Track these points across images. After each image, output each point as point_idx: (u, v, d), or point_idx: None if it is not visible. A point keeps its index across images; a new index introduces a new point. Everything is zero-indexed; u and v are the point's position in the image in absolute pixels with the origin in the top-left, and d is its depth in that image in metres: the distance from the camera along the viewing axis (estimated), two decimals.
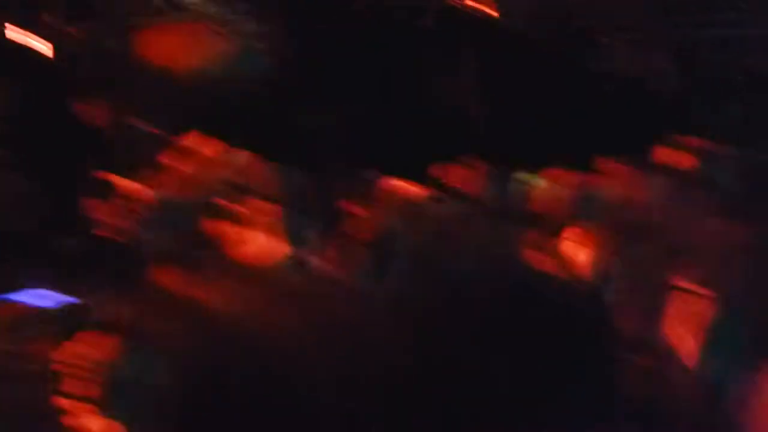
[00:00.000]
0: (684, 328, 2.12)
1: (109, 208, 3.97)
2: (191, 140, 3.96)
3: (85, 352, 1.71)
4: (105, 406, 1.37)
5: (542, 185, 3.49)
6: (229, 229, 1.51)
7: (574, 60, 5.51)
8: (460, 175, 3.81)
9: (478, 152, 4.57)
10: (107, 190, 3.88)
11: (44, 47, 5.00)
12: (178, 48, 4.76)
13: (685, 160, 3.34)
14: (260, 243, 1.55)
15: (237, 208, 1.52)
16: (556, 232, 3.40)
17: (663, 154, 3.59)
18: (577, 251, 3.03)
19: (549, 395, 1.26)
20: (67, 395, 1.73)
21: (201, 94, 4.57)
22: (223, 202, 1.53)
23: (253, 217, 1.55)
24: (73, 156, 4.29)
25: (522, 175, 3.59)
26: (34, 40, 4.95)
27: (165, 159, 3.93)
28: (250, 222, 1.54)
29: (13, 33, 4.96)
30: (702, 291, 2.30)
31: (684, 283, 2.28)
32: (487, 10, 5.19)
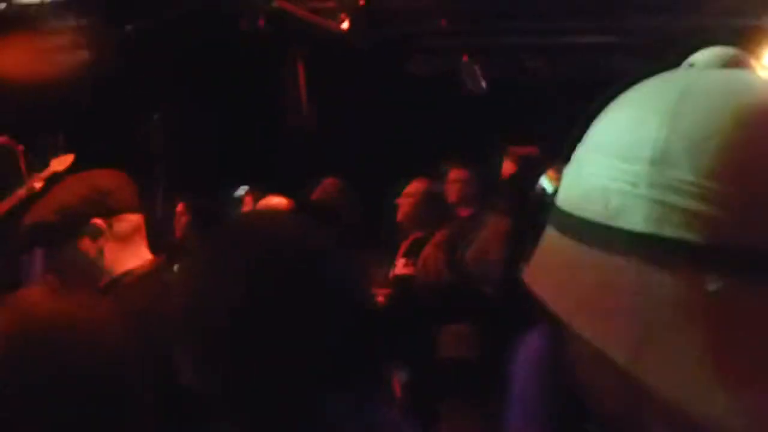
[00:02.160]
0: None
1: None
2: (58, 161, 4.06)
3: None
4: None
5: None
6: (97, 245, 1.51)
7: (397, 65, 5.95)
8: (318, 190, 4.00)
9: (313, 162, 4.85)
10: None
11: None
12: (22, 59, 4.71)
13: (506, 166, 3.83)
14: (130, 254, 1.54)
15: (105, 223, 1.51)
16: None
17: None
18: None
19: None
20: None
21: (50, 105, 4.63)
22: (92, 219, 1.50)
23: (123, 230, 1.53)
24: None
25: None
26: None
27: (24, 175, 4.03)
28: (120, 235, 1.53)
29: None
30: None
31: None
32: (315, 18, 5.40)
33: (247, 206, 4.82)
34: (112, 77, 4.80)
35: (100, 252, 1.56)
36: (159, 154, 4.73)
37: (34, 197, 4.18)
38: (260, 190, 4.54)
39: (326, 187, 3.77)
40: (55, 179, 4.24)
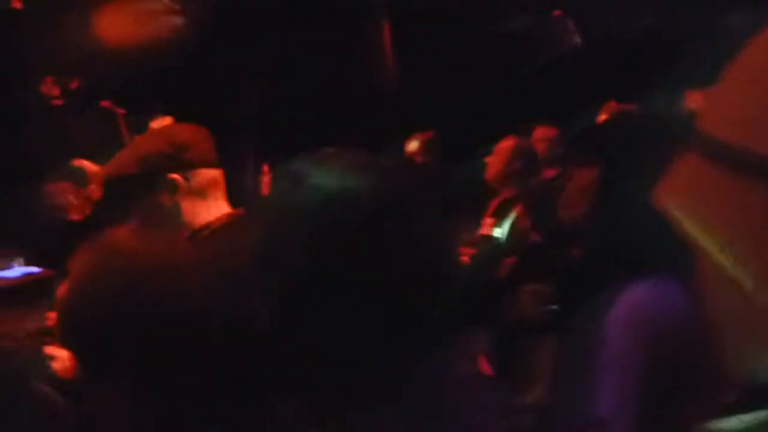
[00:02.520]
0: None
1: (64, 189, 4.31)
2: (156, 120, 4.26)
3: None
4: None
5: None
6: (174, 199, 1.52)
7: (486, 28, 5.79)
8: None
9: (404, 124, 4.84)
10: (66, 171, 4.21)
11: None
12: (129, 25, 4.92)
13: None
14: (208, 208, 1.54)
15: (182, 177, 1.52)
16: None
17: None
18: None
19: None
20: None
21: (149, 69, 4.83)
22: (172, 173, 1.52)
23: (200, 184, 1.54)
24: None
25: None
26: None
27: (125, 137, 4.26)
28: (197, 189, 1.53)
29: None
30: None
31: None
32: None
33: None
34: (206, 40, 4.93)
35: (177, 206, 1.57)
36: (250, 114, 4.83)
37: None
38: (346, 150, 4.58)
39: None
40: None
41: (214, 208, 1.59)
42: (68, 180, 4.28)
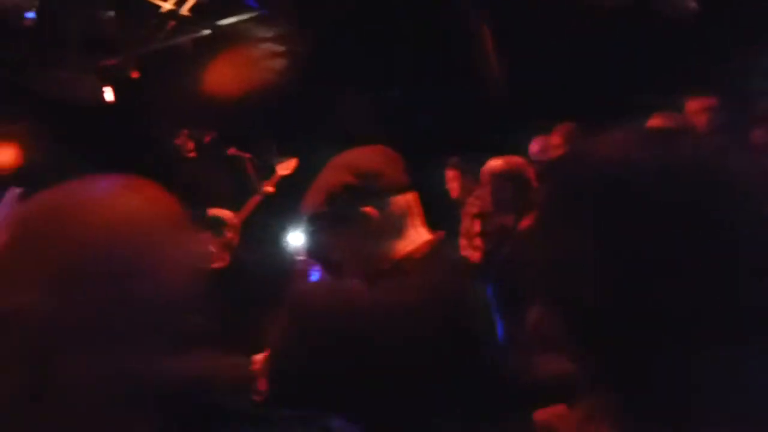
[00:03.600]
0: None
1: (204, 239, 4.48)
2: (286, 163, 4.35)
3: None
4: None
5: None
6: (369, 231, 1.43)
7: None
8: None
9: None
10: (203, 221, 4.37)
11: (107, 91, 5.48)
12: (238, 74, 5.09)
13: None
14: (406, 237, 1.44)
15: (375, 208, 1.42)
16: None
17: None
18: None
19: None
20: None
21: (262, 112, 4.97)
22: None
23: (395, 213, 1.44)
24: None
25: None
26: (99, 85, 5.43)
27: (254, 181, 4.40)
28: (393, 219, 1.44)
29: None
30: None
31: None
32: None
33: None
34: (312, 76, 5.00)
35: (373, 239, 1.46)
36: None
37: (267, 201, 4.53)
38: (465, 161, 4.51)
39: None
40: (283, 183, 4.57)
41: (414, 236, 1.47)
42: (206, 229, 4.49)
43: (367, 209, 1.43)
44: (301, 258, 3.83)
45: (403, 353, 1.21)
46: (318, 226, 1.51)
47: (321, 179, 1.51)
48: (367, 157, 1.52)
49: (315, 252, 1.62)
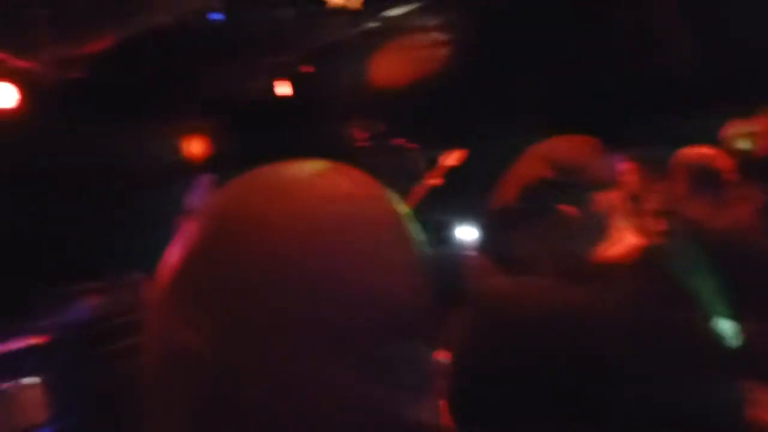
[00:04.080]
0: None
1: None
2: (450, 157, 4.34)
3: None
4: None
5: None
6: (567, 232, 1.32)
7: None
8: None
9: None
10: None
11: (285, 87, 5.79)
12: (405, 63, 5.14)
13: None
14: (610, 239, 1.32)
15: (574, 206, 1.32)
16: None
17: None
18: None
19: None
20: None
21: (425, 102, 4.97)
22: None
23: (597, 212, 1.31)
24: None
25: None
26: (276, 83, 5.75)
27: (420, 172, 4.43)
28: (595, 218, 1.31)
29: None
30: None
31: None
32: None
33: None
34: (481, 64, 4.89)
35: (571, 238, 1.32)
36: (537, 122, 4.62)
37: (432, 193, 4.53)
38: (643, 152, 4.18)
39: None
40: (449, 174, 4.54)
41: (619, 239, 1.33)
42: None
43: (566, 206, 1.30)
44: (473, 253, 3.74)
45: (607, 365, 1.12)
46: (508, 222, 1.41)
47: (515, 171, 1.41)
48: (567, 148, 1.38)
49: (500, 249, 1.52)
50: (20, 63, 4.41)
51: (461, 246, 4.02)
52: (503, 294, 1.26)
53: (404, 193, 4.45)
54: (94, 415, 3.85)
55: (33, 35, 4.45)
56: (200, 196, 3.40)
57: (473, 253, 3.89)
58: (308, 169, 0.60)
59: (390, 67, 5.17)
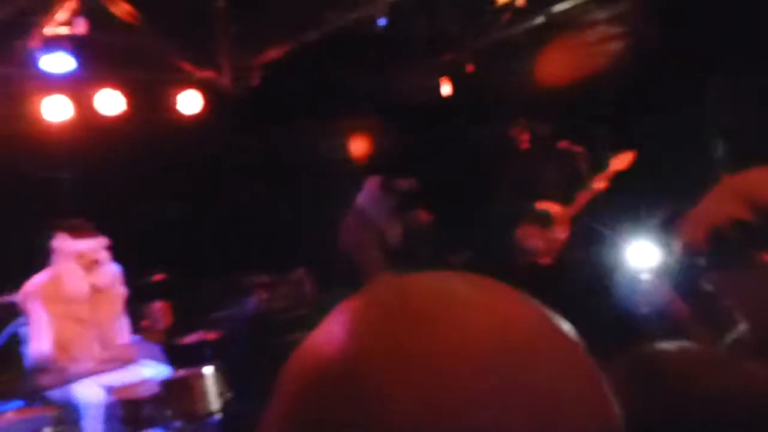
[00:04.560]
0: None
1: (532, 233, 4.43)
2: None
3: None
4: None
5: None
6: None
7: None
8: None
9: None
10: (533, 215, 4.32)
11: (448, 87, 5.78)
12: (572, 60, 4.90)
13: None
14: None
15: None
16: None
17: None
18: None
19: None
20: None
21: (593, 102, 4.69)
22: None
23: None
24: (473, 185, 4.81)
25: None
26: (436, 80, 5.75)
27: (586, 176, 4.20)
28: None
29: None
30: None
31: None
32: None
33: None
34: (656, 58, 4.52)
35: None
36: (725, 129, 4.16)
37: (596, 198, 4.27)
38: None
39: None
40: (617, 178, 4.26)
41: None
42: (535, 224, 4.44)
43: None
44: (649, 279, 3.32)
45: None
46: (730, 236, 1.20)
47: (705, 206, 1.22)
48: None
49: (689, 290, 1.34)
50: (203, 73, 4.81)
51: (635, 267, 3.58)
52: (683, 367, 1.09)
53: (567, 200, 4.24)
54: (262, 405, 4.12)
55: (215, 47, 4.84)
56: (366, 198, 3.48)
57: (654, 281, 3.51)
58: (475, 284, 0.49)
59: (556, 65, 4.94)
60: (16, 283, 3.52)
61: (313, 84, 5.51)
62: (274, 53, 4.69)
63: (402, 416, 0.38)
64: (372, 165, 6.44)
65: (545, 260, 4.30)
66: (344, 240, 3.39)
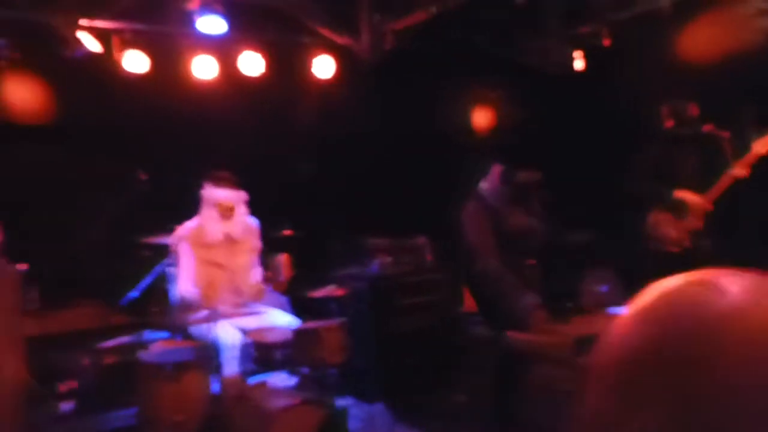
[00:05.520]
0: None
1: (665, 220, 4.25)
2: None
3: None
4: None
5: None
6: None
7: None
8: None
9: None
10: (668, 202, 4.13)
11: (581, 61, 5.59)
12: (722, 36, 4.62)
13: None
14: None
15: None
16: None
17: None
18: None
19: None
20: None
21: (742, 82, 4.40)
22: None
23: None
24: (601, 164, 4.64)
25: None
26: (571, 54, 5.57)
27: (730, 162, 3.96)
28: None
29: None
30: None
31: None
32: None
33: None
34: None
35: None
36: None
37: (738, 184, 4.04)
38: None
39: None
40: (760, 163, 4.00)
41: None
42: (669, 211, 4.17)
43: None
44: None
45: None
46: None
47: None
48: None
49: None
50: (342, 39, 4.94)
51: None
52: None
53: (706, 187, 4.04)
54: (376, 362, 4.30)
55: (352, 13, 4.94)
56: (487, 185, 3.50)
57: None
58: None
59: (703, 42, 4.67)
60: (171, 226, 3.85)
61: (446, 52, 5.52)
62: (410, 20, 4.73)
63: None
64: (494, 138, 6.39)
65: (675, 249, 4.14)
66: (462, 223, 3.44)
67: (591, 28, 5.42)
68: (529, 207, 3.56)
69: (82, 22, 4.21)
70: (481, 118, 6.43)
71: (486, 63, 5.56)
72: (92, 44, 4.31)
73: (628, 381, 0.51)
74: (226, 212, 3.79)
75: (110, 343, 4.17)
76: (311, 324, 3.49)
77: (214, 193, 3.79)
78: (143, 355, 3.36)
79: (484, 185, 3.48)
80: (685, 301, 0.53)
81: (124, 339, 4.20)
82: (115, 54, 4.53)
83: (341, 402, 3.67)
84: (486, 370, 3.59)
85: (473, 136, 6.35)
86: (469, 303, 4.48)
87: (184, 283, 3.72)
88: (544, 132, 5.25)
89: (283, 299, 4.38)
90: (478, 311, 3.76)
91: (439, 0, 4.50)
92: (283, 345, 3.39)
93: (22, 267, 3.69)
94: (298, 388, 3.47)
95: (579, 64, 5.58)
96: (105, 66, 4.51)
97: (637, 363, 0.51)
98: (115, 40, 4.53)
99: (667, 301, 0.54)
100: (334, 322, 3.50)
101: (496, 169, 3.44)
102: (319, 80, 5.31)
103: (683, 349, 0.50)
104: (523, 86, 5.68)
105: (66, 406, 3.99)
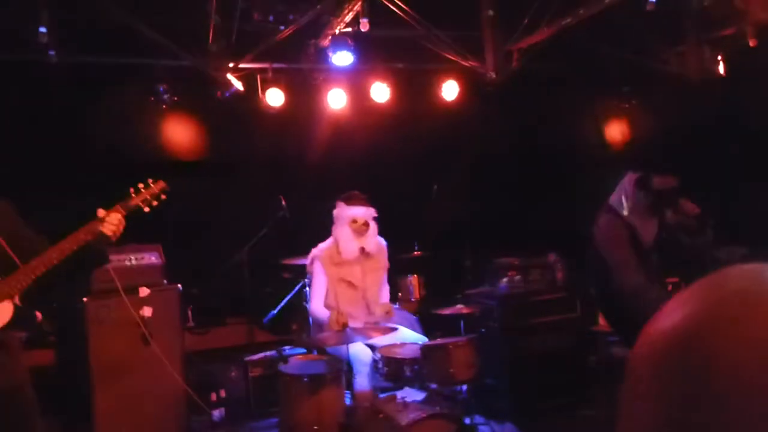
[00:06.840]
0: None
1: None
2: None
3: None
4: None
5: None
6: None
7: None
8: None
9: None
10: None
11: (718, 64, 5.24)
12: None
13: None
14: None
15: None
16: None
17: None
18: None
19: None
20: None
21: None
22: None
23: None
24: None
25: None
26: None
27: None
28: None
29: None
30: None
31: None
32: None
33: None
34: None
35: None
36: None
37: None
38: None
39: None
40: None
41: None
42: None
43: None
44: None
45: None
46: None
47: None
48: None
49: None
50: (465, 62, 5.02)
51: None
52: None
53: None
54: (506, 380, 4.25)
55: (477, 36, 5.01)
56: (620, 195, 3.37)
57: None
58: None
59: None
60: (307, 248, 4.10)
61: (574, 66, 5.42)
62: (535, 37, 4.72)
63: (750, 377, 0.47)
64: (629, 152, 6.13)
65: None
66: (597, 237, 3.33)
67: (734, 30, 5.08)
68: (667, 218, 3.39)
69: (230, 65, 4.64)
70: (614, 130, 6.20)
71: (616, 74, 5.39)
72: (238, 84, 4.74)
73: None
74: (360, 228, 3.96)
75: (255, 356, 4.50)
76: (440, 340, 3.54)
77: (346, 211, 3.97)
78: (283, 367, 3.60)
79: (614, 198, 3.37)
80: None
81: (267, 353, 4.51)
82: (260, 92, 4.97)
83: (471, 420, 3.68)
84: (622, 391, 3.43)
85: (606, 149, 6.14)
86: (602, 322, 4.32)
87: (316, 303, 3.94)
88: (685, 140, 4.97)
89: (413, 318, 4.48)
90: (615, 330, 3.62)
91: (563, 15, 4.45)
92: (413, 361, 3.47)
93: (178, 287, 4.11)
94: (427, 403, 3.53)
95: (720, 67, 5.24)
96: (248, 104, 4.93)
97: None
98: (258, 79, 4.96)
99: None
100: (463, 339, 3.53)
101: (629, 178, 3.32)
102: (447, 103, 5.42)
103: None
104: (659, 94, 5.43)
105: (217, 414, 4.35)
